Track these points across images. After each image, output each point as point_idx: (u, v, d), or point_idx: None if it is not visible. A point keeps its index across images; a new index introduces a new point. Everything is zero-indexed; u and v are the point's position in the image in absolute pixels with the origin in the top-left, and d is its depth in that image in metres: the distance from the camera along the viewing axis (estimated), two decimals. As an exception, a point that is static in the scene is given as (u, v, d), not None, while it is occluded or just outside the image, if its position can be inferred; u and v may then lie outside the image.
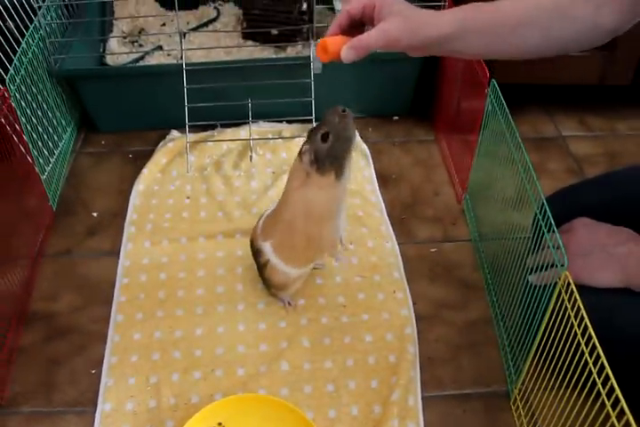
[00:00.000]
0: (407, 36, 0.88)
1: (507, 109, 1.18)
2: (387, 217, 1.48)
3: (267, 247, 1.19)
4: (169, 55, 1.84)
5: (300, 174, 1.09)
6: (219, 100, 1.61)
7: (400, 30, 0.87)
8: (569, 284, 0.89)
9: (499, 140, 1.24)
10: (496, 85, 1.23)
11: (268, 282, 1.25)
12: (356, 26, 0.94)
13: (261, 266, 1.23)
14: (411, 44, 0.89)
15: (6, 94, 1.29)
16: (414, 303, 1.29)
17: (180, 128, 1.69)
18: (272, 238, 1.18)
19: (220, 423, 1.07)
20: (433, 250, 1.41)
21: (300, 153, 1.07)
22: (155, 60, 1.83)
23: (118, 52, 1.83)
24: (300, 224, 1.13)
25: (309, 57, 1.61)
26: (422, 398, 1.14)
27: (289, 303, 1.29)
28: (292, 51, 1.82)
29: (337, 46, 0.88)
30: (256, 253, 1.22)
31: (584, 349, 0.85)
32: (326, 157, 1.05)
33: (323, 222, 1.13)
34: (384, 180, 1.59)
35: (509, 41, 0.92)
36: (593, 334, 0.83)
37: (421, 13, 0.90)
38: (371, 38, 0.87)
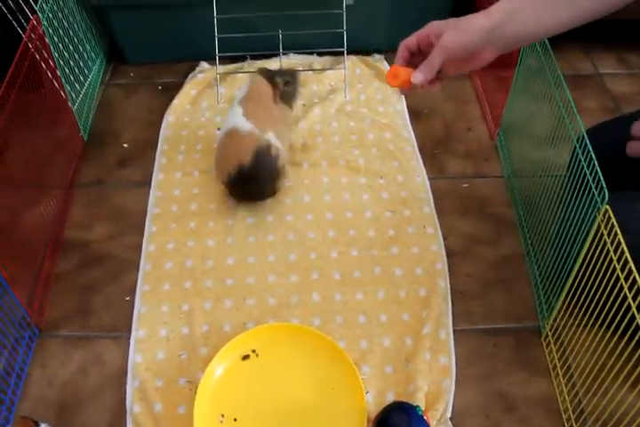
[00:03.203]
0: (463, 39, 0.90)
1: (547, 43, 1.15)
2: (418, 152, 1.47)
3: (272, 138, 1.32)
4: (197, -15, 1.81)
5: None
6: (249, 32, 1.58)
7: (454, 36, 0.90)
8: (609, 218, 0.88)
9: (535, 76, 1.21)
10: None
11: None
12: (418, 59, 0.97)
13: (277, 174, 1.34)
14: (472, 44, 0.91)
15: (35, 22, 1.27)
16: (445, 238, 1.29)
17: (210, 60, 1.67)
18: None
19: (253, 350, 1.09)
20: (465, 185, 1.40)
21: (275, 75, 1.37)
22: (182, -10, 1.80)
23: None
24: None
25: (341, -12, 1.57)
26: (453, 332, 1.14)
27: None
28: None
29: (407, 74, 0.93)
30: (273, 163, 1.32)
31: (623, 283, 0.85)
32: (282, 94, 1.37)
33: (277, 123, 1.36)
34: (416, 114, 1.57)
35: (563, 7, 0.89)
36: (634, 268, 0.82)
37: (469, 16, 0.92)
38: (433, 56, 0.91)
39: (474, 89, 1.64)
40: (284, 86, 1.39)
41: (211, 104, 1.60)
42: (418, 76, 0.92)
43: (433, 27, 0.94)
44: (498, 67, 1.44)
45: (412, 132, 1.52)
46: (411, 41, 0.96)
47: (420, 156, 1.46)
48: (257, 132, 1.28)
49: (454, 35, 0.90)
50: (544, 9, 0.90)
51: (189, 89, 1.64)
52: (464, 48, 0.91)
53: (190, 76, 1.69)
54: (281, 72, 1.43)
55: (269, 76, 1.39)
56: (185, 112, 1.59)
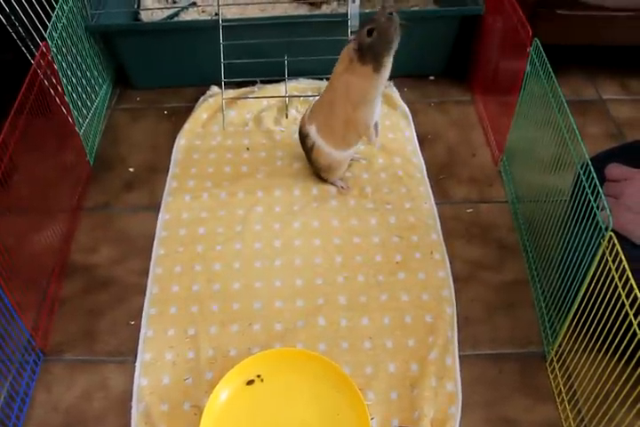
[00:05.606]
0: None
1: (550, 69, 1.16)
2: (427, 178, 1.47)
3: (312, 130, 1.36)
4: (203, 12, 1.84)
5: (346, 60, 1.25)
6: (256, 57, 1.60)
7: None
8: (614, 244, 0.88)
9: (538, 101, 1.22)
10: (539, 45, 1.21)
11: (317, 165, 1.41)
12: None
13: (309, 150, 1.38)
14: None
15: (44, 49, 1.29)
16: (450, 263, 1.29)
17: (218, 84, 1.68)
18: (316, 121, 1.35)
19: (258, 376, 1.09)
20: (469, 210, 1.41)
21: (348, 41, 1.24)
22: (189, 16, 1.83)
23: (152, 8, 1.82)
24: (339, 105, 1.30)
25: (346, 14, 1.58)
26: (458, 357, 1.14)
27: (342, 187, 1.43)
28: (326, 8, 1.81)
29: None
30: (304, 137, 1.38)
31: (628, 310, 0.85)
32: (368, 50, 1.21)
33: (359, 106, 1.29)
34: (420, 140, 1.58)
35: None
36: (639, 294, 0.83)
37: None
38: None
39: (477, 115, 1.65)
40: (367, 37, 1.20)
41: (222, 128, 1.61)
42: None
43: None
44: (501, 92, 1.47)
45: (422, 159, 1.53)
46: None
47: (428, 182, 1.47)
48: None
49: None
50: None
51: (200, 113, 1.65)
52: None
53: (201, 99, 1.70)
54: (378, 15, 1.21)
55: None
56: (196, 135, 1.60)
